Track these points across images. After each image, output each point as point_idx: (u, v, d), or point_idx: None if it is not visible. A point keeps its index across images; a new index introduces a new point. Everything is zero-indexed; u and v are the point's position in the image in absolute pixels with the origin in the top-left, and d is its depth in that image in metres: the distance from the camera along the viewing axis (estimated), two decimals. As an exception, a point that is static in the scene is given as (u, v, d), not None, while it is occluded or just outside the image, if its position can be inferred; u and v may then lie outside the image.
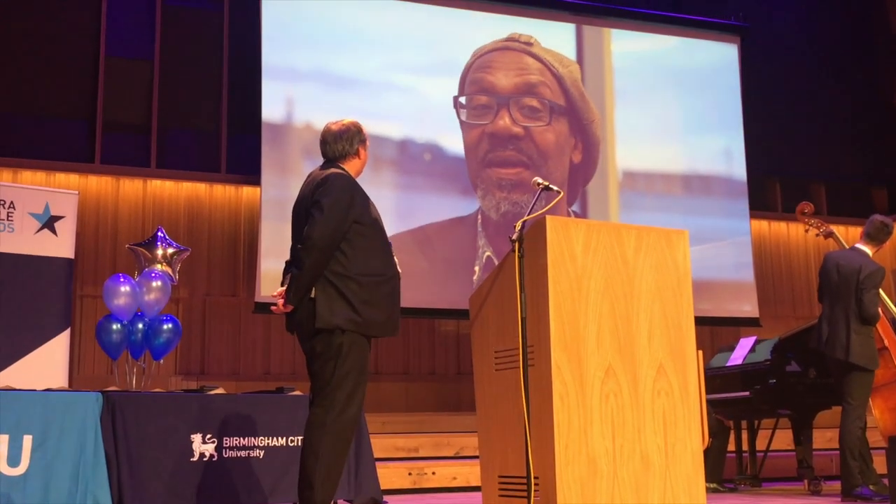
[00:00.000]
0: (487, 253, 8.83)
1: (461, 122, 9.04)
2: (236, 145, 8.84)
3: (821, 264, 5.99)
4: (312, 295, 3.81)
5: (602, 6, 9.86)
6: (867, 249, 5.83)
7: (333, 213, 3.80)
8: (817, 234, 6.48)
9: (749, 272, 9.92)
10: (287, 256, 4.00)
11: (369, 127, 4.19)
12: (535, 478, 3.67)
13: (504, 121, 9.08)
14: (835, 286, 5.75)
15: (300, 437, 4.64)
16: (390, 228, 4.21)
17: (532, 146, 9.15)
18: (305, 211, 3.89)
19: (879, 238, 5.87)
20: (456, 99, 9.08)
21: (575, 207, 9.30)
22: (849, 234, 10.04)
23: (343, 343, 3.80)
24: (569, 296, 3.76)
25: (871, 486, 5.53)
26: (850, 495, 5.49)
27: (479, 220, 8.91)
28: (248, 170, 8.62)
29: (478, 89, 9.16)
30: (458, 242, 8.82)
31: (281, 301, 3.88)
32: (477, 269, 8.81)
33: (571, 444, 3.65)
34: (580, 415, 3.69)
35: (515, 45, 9.33)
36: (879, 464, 5.91)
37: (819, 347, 5.78)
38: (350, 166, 4.05)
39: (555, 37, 9.51)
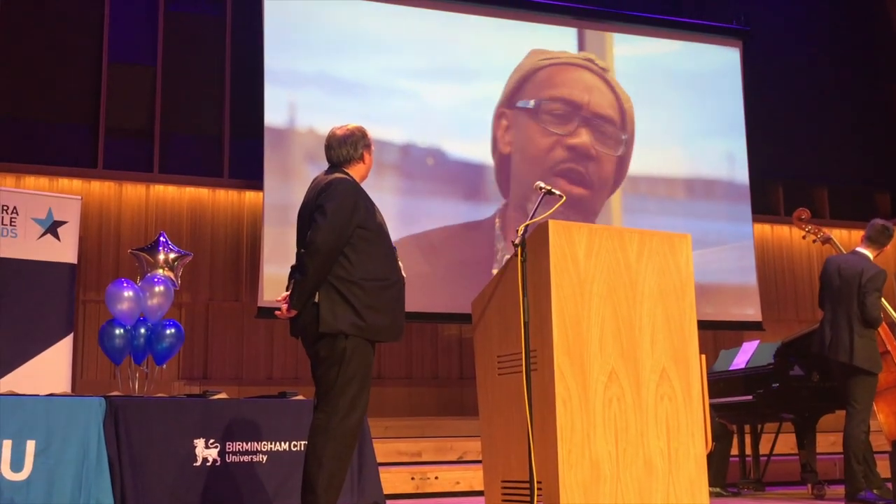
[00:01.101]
0: (507, 256, 8.85)
1: (525, 124, 9.08)
2: (239, 150, 8.85)
3: (822, 268, 5.99)
4: (316, 299, 3.81)
5: (604, 10, 9.87)
6: (868, 253, 5.83)
7: (337, 217, 3.80)
8: (814, 240, 6.47)
9: (752, 276, 9.91)
10: (291, 261, 4.00)
11: (371, 131, 4.19)
12: (539, 482, 3.66)
13: (584, 137, 9.17)
14: (837, 290, 5.75)
15: (303, 442, 4.64)
16: (393, 233, 4.21)
17: (597, 171, 9.27)
18: (309, 216, 3.89)
19: (880, 241, 5.87)
20: (514, 95, 9.12)
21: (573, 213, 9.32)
22: (851, 238, 10.05)
23: (347, 348, 3.80)
24: (571, 300, 3.76)
25: (874, 491, 5.52)
26: (854, 499, 5.47)
27: (498, 224, 8.92)
28: (250, 174, 8.63)
29: (558, 98, 9.24)
30: (474, 246, 8.83)
31: (285, 306, 3.89)
32: (495, 271, 8.81)
33: (574, 449, 3.65)
34: (583, 419, 3.69)
35: (594, 68, 9.43)
36: (883, 467, 5.90)
37: (822, 352, 5.77)
38: (355, 171, 4.05)
39: (557, 41, 9.52)
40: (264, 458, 4.97)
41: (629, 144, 9.52)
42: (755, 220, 10.16)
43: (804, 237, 6.59)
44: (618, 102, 9.48)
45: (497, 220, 8.95)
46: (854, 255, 5.87)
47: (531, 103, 9.14)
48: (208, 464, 4.80)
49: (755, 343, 6.66)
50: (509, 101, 9.18)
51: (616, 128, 9.43)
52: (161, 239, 6.17)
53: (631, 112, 9.56)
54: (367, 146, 4.10)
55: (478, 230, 8.92)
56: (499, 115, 9.11)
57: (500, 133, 9.08)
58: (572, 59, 9.44)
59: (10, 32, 8.34)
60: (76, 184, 8.28)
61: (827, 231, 6.52)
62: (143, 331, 5.69)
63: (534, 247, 3.83)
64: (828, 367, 5.86)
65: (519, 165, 9.04)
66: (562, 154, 9.10)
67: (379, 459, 5.35)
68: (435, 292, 8.58)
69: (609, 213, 9.46)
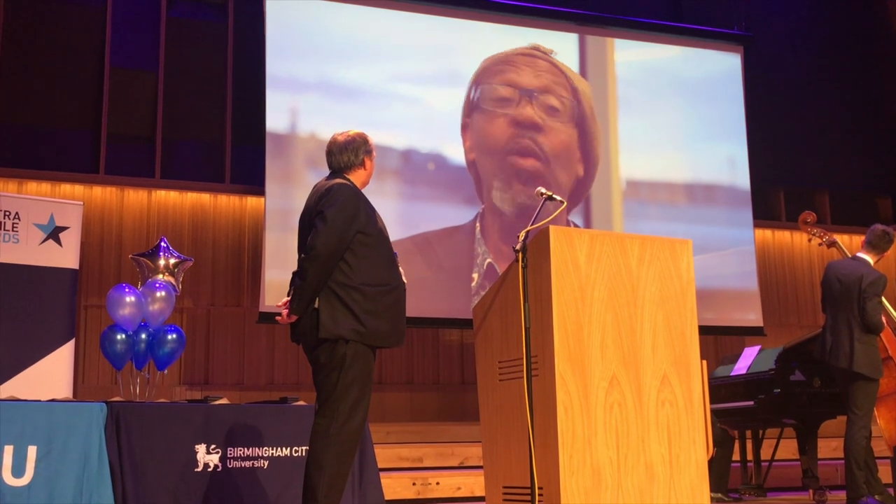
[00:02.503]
0: (489, 260, 8.83)
1: (478, 117, 9.03)
2: (240, 155, 8.86)
3: (822, 274, 5.99)
4: (316, 305, 3.81)
5: (605, 16, 9.88)
6: (869, 258, 5.83)
7: (337, 223, 3.81)
8: (820, 244, 6.44)
9: (753, 281, 9.91)
10: (292, 266, 4.01)
11: (373, 137, 4.20)
12: (540, 488, 3.66)
13: (528, 110, 9.12)
14: (837, 296, 5.75)
15: (304, 448, 4.64)
16: (393, 238, 4.21)
17: (548, 142, 9.19)
18: (310, 221, 3.90)
19: (881, 247, 5.87)
20: (469, 102, 9.07)
21: (575, 219, 9.29)
22: (853, 243, 10.03)
23: (347, 353, 3.80)
24: (573, 306, 3.76)
25: (876, 496, 5.52)
26: (856, 505, 5.47)
27: (478, 228, 8.91)
28: (252, 180, 8.64)
29: (500, 83, 9.19)
30: (456, 251, 8.81)
31: (285, 311, 3.89)
32: (476, 276, 8.79)
33: (575, 455, 3.65)
34: (584, 425, 3.69)
35: (538, 54, 9.39)
36: (885, 473, 5.90)
37: (823, 358, 5.77)
38: (356, 177, 4.06)
39: (558, 47, 9.53)
40: (266, 464, 4.97)
41: (588, 124, 9.42)
42: (756, 225, 10.16)
43: (810, 240, 6.57)
44: (566, 80, 9.40)
45: (477, 223, 8.93)
46: (854, 260, 5.87)
47: (474, 93, 9.08)
48: (209, 469, 4.81)
49: (756, 348, 6.66)
50: (467, 110, 9.11)
51: (563, 98, 9.33)
52: (162, 244, 6.17)
53: (587, 93, 9.48)
54: (369, 152, 4.11)
55: (474, 233, 8.90)
56: (464, 126, 9.07)
57: (466, 142, 9.04)
58: (516, 50, 9.37)
59: (13, 38, 8.36)
60: (78, 189, 8.29)
61: (832, 235, 6.49)
62: (144, 336, 5.69)
63: (535, 252, 3.84)
64: (830, 373, 5.86)
65: (482, 163, 9.00)
66: (510, 131, 9.07)
67: (380, 465, 5.35)
68: (429, 297, 8.55)
69: (609, 218, 9.46)
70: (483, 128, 9.05)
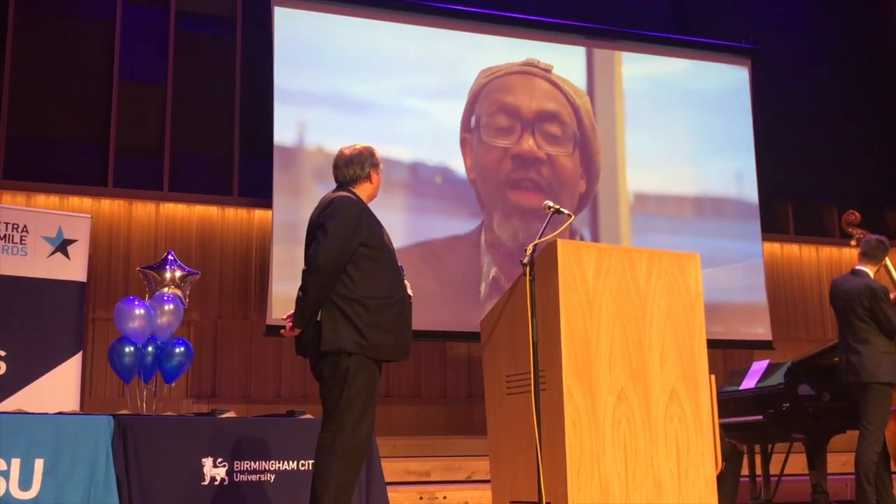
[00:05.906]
0: (493, 270, 8.81)
1: (476, 143, 9.02)
2: (248, 169, 8.87)
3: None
4: (318, 318, 3.81)
5: (612, 29, 9.89)
6: (867, 270, 5.82)
7: (338, 235, 3.80)
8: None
9: (761, 294, 9.88)
10: (299, 279, 4.00)
11: (380, 150, 4.20)
12: (548, 502, 3.65)
13: (528, 143, 9.09)
14: (839, 311, 5.76)
15: (311, 461, 4.63)
16: (397, 246, 4.20)
17: (552, 173, 9.16)
18: (312, 234, 3.90)
19: (877, 256, 5.85)
20: (469, 118, 9.05)
21: (583, 232, 9.26)
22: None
23: (350, 366, 3.80)
24: (580, 320, 3.75)
25: (885, 511, 5.48)
26: (865, 520, 5.43)
27: (483, 239, 8.89)
28: (260, 193, 8.64)
29: (498, 110, 9.17)
30: (462, 262, 8.79)
31: (289, 324, 3.89)
32: (483, 287, 8.78)
33: (584, 469, 3.63)
34: (592, 439, 3.67)
35: (535, 71, 9.35)
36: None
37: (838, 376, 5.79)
38: (362, 190, 4.06)
39: (565, 60, 9.54)
40: (272, 478, 4.96)
41: (589, 140, 9.37)
42: (764, 238, 10.13)
43: (852, 244, 6.38)
44: (566, 99, 9.34)
45: (482, 235, 8.91)
46: (854, 274, 5.85)
47: (473, 122, 9.07)
48: (216, 483, 4.80)
49: (765, 362, 6.62)
50: (466, 126, 9.10)
51: (565, 125, 9.31)
52: (169, 257, 6.18)
53: (586, 106, 9.42)
54: (375, 165, 4.11)
55: (479, 244, 8.88)
56: (463, 142, 9.06)
57: (466, 159, 9.01)
58: (513, 67, 9.30)
59: (22, 51, 8.40)
60: (86, 202, 8.31)
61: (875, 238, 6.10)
62: (151, 349, 5.69)
63: (542, 266, 3.83)
64: (841, 387, 5.84)
65: (480, 187, 8.99)
66: (509, 165, 9.02)
67: (387, 478, 5.33)
68: (438, 309, 8.53)
69: (618, 232, 9.44)
70: (482, 156, 9.01)
